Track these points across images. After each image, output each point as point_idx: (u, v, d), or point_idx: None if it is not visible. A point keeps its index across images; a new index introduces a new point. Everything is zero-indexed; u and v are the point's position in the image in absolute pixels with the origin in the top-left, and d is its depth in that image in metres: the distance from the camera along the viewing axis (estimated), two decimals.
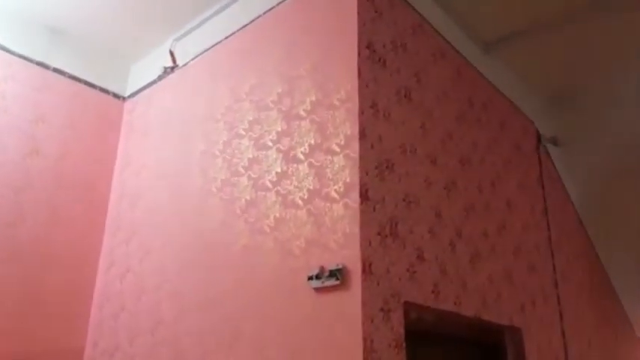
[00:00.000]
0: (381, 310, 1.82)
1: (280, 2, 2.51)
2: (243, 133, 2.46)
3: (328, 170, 2.03)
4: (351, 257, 1.82)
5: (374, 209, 1.94)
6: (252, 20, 2.64)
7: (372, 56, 2.18)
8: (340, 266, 1.80)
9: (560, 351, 3.25)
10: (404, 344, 1.87)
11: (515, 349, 2.73)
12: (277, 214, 2.14)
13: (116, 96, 3.41)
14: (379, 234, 1.93)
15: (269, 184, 2.23)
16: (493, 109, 3.21)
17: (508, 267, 2.85)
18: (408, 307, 1.96)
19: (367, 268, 1.81)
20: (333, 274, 1.80)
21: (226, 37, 2.77)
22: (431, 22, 2.72)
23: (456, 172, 2.61)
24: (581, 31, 3.08)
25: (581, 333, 4.02)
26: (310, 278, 1.87)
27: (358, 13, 2.16)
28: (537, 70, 3.50)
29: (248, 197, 2.31)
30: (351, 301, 1.76)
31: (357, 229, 1.85)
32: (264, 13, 2.58)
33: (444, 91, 2.71)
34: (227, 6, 2.78)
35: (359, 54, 2.09)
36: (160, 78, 3.14)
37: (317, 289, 1.85)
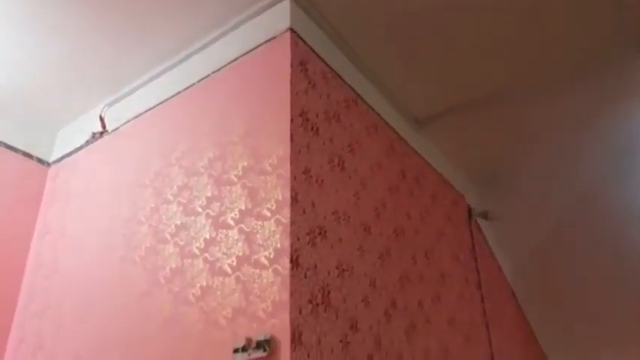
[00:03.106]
0: None
1: (215, 71, 2.54)
2: (172, 198, 2.37)
3: (259, 236, 1.96)
4: (280, 327, 1.72)
5: (305, 276, 1.87)
6: (187, 87, 2.64)
7: (305, 124, 2.21)
8: (268, 337, 1.69)
9: None
10: None
11: None
12: (204, 283, 2.02)
13: (40, 161, 3.23)
14: (310, 302, 1.85)
15: (196, 251, 2.12)
16: (425, 183, 3.31)
17: (444, 339, 2.80)
18: None
19: (297, 339, 1.71)
20: (260, 345, 1.68)
21: (160, 103, 2.74)
22: (364, 97, 2.84)
23: (390, 242, 2.61)
24: (509, 109, 3.31)
25: None
26: (236, 351, 1.73)
27: (291, 83, 2.22)
28: (466, 147, 3.69)
29: (174, 265, 2.17)
30: None
31: (287, 297, 1.76)
32: (199, 80, 2.59)
33: (378, 162, 2.77)
34: (162, 73, 2.78)
35: (292, 121, 2.11)
36: (87, 143, 3.02)
37: None
